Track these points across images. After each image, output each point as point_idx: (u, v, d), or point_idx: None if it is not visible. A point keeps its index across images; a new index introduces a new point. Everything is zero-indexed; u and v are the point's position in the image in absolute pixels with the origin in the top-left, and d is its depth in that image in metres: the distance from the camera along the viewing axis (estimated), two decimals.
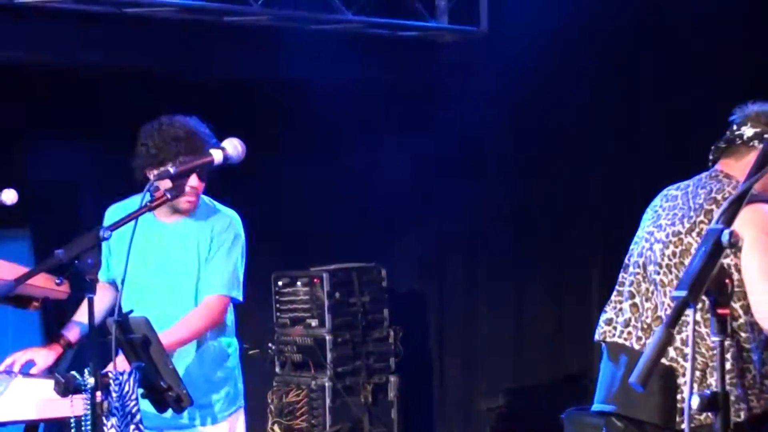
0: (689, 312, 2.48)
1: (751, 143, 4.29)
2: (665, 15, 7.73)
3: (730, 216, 2.52)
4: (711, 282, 2.49)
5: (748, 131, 4.30)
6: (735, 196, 2.57)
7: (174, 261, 4.95)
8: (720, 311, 2.54)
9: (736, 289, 4.09)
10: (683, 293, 2.46)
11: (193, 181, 4.79)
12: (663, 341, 2.49)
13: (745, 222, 4.11)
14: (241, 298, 5.03)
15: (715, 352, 4.04)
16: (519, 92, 8.19)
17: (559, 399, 7.78)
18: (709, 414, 2.62)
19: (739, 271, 4.09)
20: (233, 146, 4.46)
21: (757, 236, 4.08)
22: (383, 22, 8.02)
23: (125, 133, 6.89)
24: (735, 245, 2.48)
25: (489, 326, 9.04)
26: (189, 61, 7.60)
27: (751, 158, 4.25)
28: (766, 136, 4.29)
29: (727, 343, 4.06)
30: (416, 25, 8.17)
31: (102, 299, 4.97)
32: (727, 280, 2.53)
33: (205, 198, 5.04)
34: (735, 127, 4.37)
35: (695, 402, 2.55)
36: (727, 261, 4.09)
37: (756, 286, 4.06)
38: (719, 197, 4.19)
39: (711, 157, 4.44)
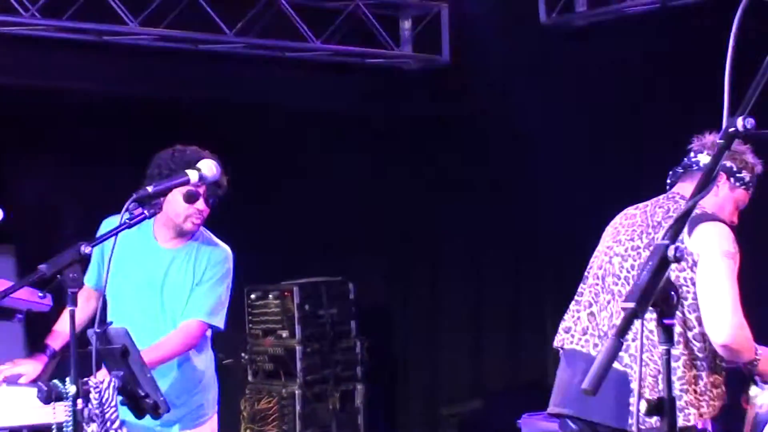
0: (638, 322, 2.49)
1: None
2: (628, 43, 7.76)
3: (675, 232, 2.53)
4: (657, 294, 2.50)
5: (704, 158, 4.36)
6: (680, 213, 2.58)
7: (169, 283, 4.93)
8: (666, 321, 2.55)
9: (690, 302, 4.13)
10: (632, 305, 2.46)
11: (200, 204, 4.80)
12: (612, 349, 2.49)
13: (704, 237, 4.17)
14: (222, 326, 4.99)
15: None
16: (482, 116, 8.24)
17: (516, 405, 7.79)
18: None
19: (694, 284, 4.13)
20: (208, 167, 4.46)
21: (713, 253, 4.13)
22: (350, 50, 8.03)
23: (105, 154, 6.91)
24: (679, 260, 2.50)
25: (450, 337, 9.06)
26: (165, 87, 7.59)
27: None
28: (720, 163, 4.34)
29: (680, 351, 4.12)
30: (382, 53, 8.19)
31: (87, 306, 4.97)
32: (672, 293, 2.54)
33: (204, 230, 5.03)
34: (692, 154, 4.44)
35: (643, 406, 2.55)
36: (683, 275, 4.13)
37: (707, 301, 4.11)
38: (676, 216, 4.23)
39: (669, 181, 4.49)
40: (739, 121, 2.59)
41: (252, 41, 7.56)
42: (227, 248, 5.05)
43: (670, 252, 2.49)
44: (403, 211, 8.71)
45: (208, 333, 5.03)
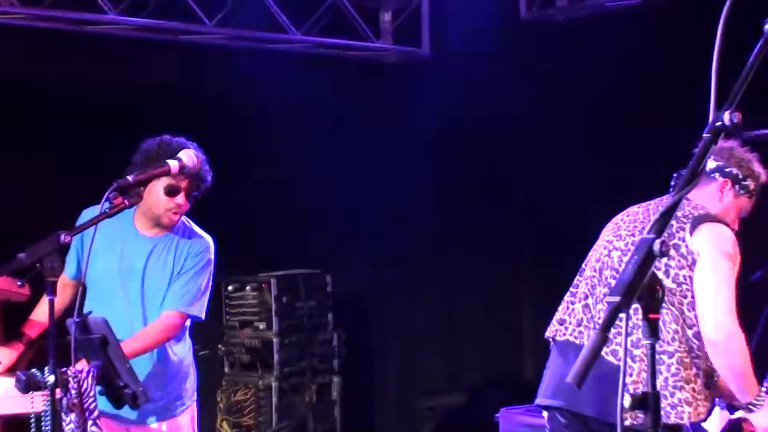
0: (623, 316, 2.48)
1: (713, 175, 4.40)
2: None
3: (660, 226, 2.52)
4: (643, 289, 2.48)
5: (711, 163, 4.38)
6: (666, 208, 2.56)
7: (148, 272, 4.89)
8: (651, 316, 2.54)
9: (689, 300, 4.13)
10: (616, 299, 2.45)
11: (180, 199, 4.77)
12: (597, 343, 2.47)
13: (705, 237, 4.17)
14: (202, 316, 4.97)
15: (660, 355, 4.08)
16: (457, 110, 8.23)
17: (492, 398, 7.82)
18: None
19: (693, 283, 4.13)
20: (189, 157, 4.44)
21: (712, 254, 4.14)
22: (331, 42, 8.00)
23: (75, 145, 6.83)
24: (665, 254, 2.48)
25: (426, 330, 9.07)
26: (143, 78, 7.55)
27: (711, 188, 4.39)
28: (727, 169, 4.37)
29: (675, 348, 4.11)
30: (362, 46, 8.16)
31: (63, 295, 4.93)
32: (657, 287, 2.53)
33: (186, 219, 5.00)
34: None
35: (627, 400, 2.54)
36: (683, 273, 4.13)
37: (704, 301, 4.11)
38: (679, 214, 4.23)
39: (673, 184, 4.47)
40: (726, 116, 2.58)
41: (232, 32, 7.52)
42: (208, 238, 5.02)
43: (656, 246, 2.48)
44: (381, 204, 8.69)
45: (188, 323, 5.01)
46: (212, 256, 5.00)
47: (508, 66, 8.12)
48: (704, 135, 2.65)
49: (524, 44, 8.08)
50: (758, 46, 2.61)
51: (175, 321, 4.86)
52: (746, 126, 2.64)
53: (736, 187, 4.40)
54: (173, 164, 4.37)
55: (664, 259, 4.10)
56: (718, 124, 2.60)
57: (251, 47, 7.72)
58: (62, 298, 4.95)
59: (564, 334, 4.41)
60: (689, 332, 4.14)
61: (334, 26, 7.92)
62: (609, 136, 7.71)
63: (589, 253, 4.51)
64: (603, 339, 2.46)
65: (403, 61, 8.37)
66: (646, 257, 2.48)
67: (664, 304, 4.03)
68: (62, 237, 3.87)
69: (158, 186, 4.72)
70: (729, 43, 2.57)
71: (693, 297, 4.13)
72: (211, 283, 5.02)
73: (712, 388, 4.21)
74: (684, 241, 4.16)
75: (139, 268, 4.88)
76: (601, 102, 7.72)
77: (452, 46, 8.09)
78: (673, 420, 4.07)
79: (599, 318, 4.28)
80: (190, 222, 5.03)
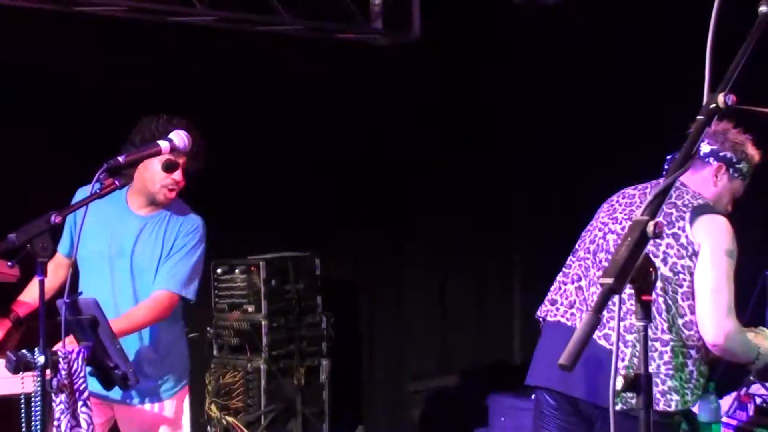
0: (616, 298, 2.47)
1: (707, 159, 4.39)
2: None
3: (654, 208, 2.52)
4: (636, 270, 2.48)
5: (705, 147, 4.37)
6: (659, 190, 2.56)
7: (138, 250, 4.89)
8: (644, 297, 2.54)
9: (684, 290, 4.13)
10: (609, 280, 2.45)
11: (177, 175, 4.77)
12: (590, 325, 2.47)
13: (704, 231, 4.16)
14: (193, 298, 4.95)
15: (653, 342, 4.08)
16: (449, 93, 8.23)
17: (482, 383, 7.83)
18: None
19: (691, 274, 4.12)
20: (180, 138, 4.42)
21: (713, 249, 4.14)
22: (321, 25, 7.97)
23: (68, 128, 6.79)
24: (659, 236, 2.48)
25: (416, 313, 9.07)
26: (134, 60, 7.51)
27: (706, 173, 4.38)
28: (721, 153, 4.37)
29: (670, 337, 4.12)
30: (352, 29, 8.13)
31: (55, 276, 4.92)
32: (651, 269, 2.53)
33: (178, 200, 4.99)
34: None
35: (619, 382, 2.54)
36: (682, 262, 4.13)
37: (704, 299, 4.12)
38: (678, 203, 4.23)
39: (666, 167, 4.47)
40: (720, 98, 2.58)
41: (222, 14, 7.49)
42: (199, 218, 5.01)
43: (650, 228, 2.48)
44: (371, 186, 8.68)
45: (179, 304, 5.00)
46: (203, 236, 4.99)
47: (499, 48, 8.10)
48: (698, 117, 2.65)
49: (515, 26, 8.05)
50: (754, 28, 2.61)
51: (165, 301, 4.85)
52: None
53: (731, 170, 4.39)
54: (164, 145, 4.35)
55: (663, 247, 4.11)
56: (712, 106, 2.61)
57: (240, 29, 7.69)
58: (56, 278, 4.95)
59: (555, 315, 4.40)
60: (680, 321, 4.14)
61: (324, 9, 7.90)
62: (606, 115, 7.69)
63: (583, 233, 4.50)
64: (596, 320, 2.46)
65: (393, 44, 8.34)
66: (640, 239, 2.48)
67: (659, 292, 4.05)
68: (53, 217, 3.86)
69: (155, 162, 4.72)
70: (725, 24, 2.57)
71: (688, 287, 4.13)
72: (202, 264, 5.01)
73: (704, 375, 4.22)
74: (684, 231, 4.16)
75: (129, 247, 4.87)
76: (597, 81, 7.71)
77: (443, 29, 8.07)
78: (661, 407, 4.08)
79: (592, 301, 4.28)
80: (182, 203, 5.02)
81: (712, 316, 4.11)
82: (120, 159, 4.14)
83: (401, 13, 8.20)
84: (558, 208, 7.69)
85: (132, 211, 4.91)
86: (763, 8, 2.63)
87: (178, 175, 4.78)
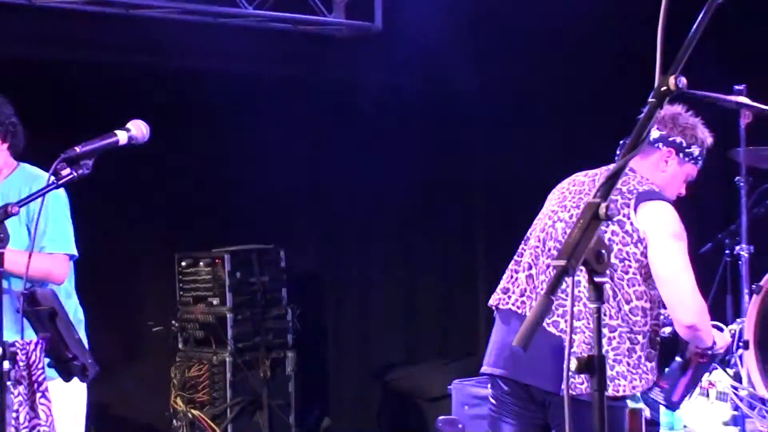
0: (568, 281, 2.48)
1: (656, 144, 4.36)
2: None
3: (606, 189, 2.53)
4: (588, 252, 2.49)
5: (654, 133, 4.34)
6: (611, 172, 2.57)
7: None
8: (597, 279, 2.54)
9: (630, 276, 4.14)
10: (562, 262, 2.45)
11: None
12: (542, 307, 2.48)
13: (651, 217, 4.17)
14: (76, 253, 4.91)
15: (602, 329, 4.10)
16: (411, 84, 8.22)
17: (447, 371, 7.83)
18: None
19: (637, 261, 4.14)
20: (138, 128, 4.38)
21: (661, 236, 4.15)
22: (283, 16, 7.95)
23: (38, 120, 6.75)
24: (610, 218, 2.49)
25: (382, 305, 9.08)
26: (95, 52, 7.48)
27: (655, 158, 4.35)
28: (670, 138, 4.36)
29: (617, 323, 4.14)
30: (314, 20, 8.11)
31: None
32: (603, 251, 2.53)
33: (27, 165, 4.96)
34: None
35: (573, 364, 2.54)
36: (627, 249, 4.14)
37: (668, 286, 4.15)
38: (624, 189, 4.23)
39: (618, 152, 4.46)
40: (671, 80, 2.59)
41: (184, 6, 7.46)
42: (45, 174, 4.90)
43: (602, 210, 2.48)
44: (334, 178, 8.68)
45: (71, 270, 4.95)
46: (61, 191, 4.86)
47: (462, 38, 8.08)
48: (649, 100, 2.65)
49: (475, 15, 8.04)
50: (703, 11, 2.62)
51: (62, 261, 4.83)
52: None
53: (680, 155, 4.38)
54: (122, 135, 4.32)
55: (608, 234, 4.12)
56: (663, 88, 2.61)
57: (203, 21, 7.66)
58: None
59: (507, 303, 4.40)
60: (626, 307, 4.16)
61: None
62: (572, 98, 7.70)
63: (534, 222, 4.50)
64: (548, 303, 2.46)
65: (355, 36, 8.33)
66: (592, 220, 2.49)
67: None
68: (10, 207, 3.83)
69: None
70: (675, 8, 2.57)
71: (634, 274, 4.14)
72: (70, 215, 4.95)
73: (651, 359, 4.25)
74: (628, 218, 4.17)
75: None
76: (560, 75, 7.72)
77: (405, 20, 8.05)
78: (610, 392, 4.10)
79: (542, 289, 4.29)
80: (33, 167, 4.97)
81: (682, 300, 4.15)
82: (77, 149, 4.11)
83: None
84: (525, 202, 7.69)
85: None
86: None
87: None
